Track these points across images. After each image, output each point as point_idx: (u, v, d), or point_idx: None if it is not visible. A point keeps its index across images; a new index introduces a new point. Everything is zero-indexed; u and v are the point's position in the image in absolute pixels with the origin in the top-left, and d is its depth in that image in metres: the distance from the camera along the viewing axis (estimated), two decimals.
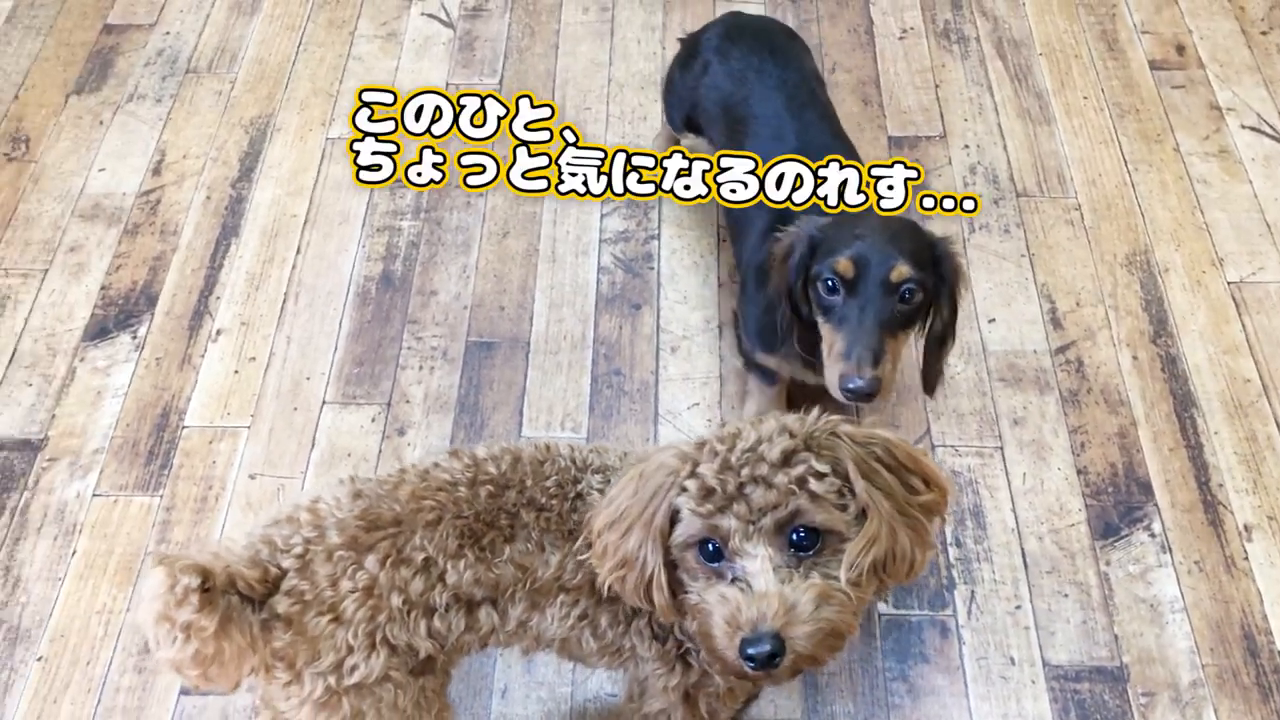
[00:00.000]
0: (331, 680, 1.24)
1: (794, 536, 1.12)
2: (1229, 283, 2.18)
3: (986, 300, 2.17)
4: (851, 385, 1.57)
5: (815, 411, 1.20)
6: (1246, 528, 1.87)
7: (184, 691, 1.72)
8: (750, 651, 1.08)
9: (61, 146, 2.48)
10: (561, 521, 1.31)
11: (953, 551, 1.85)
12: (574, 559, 1.29)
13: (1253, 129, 2.43)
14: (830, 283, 1.60)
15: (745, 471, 1.12)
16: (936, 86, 2.54)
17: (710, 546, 1.14)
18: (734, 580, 1.12)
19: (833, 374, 1.61)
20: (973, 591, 1.81)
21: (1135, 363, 2.08)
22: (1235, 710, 1.68)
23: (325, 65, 2.63)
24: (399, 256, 2.27)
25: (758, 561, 1.10)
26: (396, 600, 1.25)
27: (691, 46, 2.13)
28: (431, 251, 2.27)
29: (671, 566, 1.17)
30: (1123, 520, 1.88)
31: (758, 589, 1.10)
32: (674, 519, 1.15)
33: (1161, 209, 2.30)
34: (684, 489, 1.14)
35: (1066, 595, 1.80)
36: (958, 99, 2.52)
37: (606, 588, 1.24)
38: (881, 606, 1.80)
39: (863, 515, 1.14)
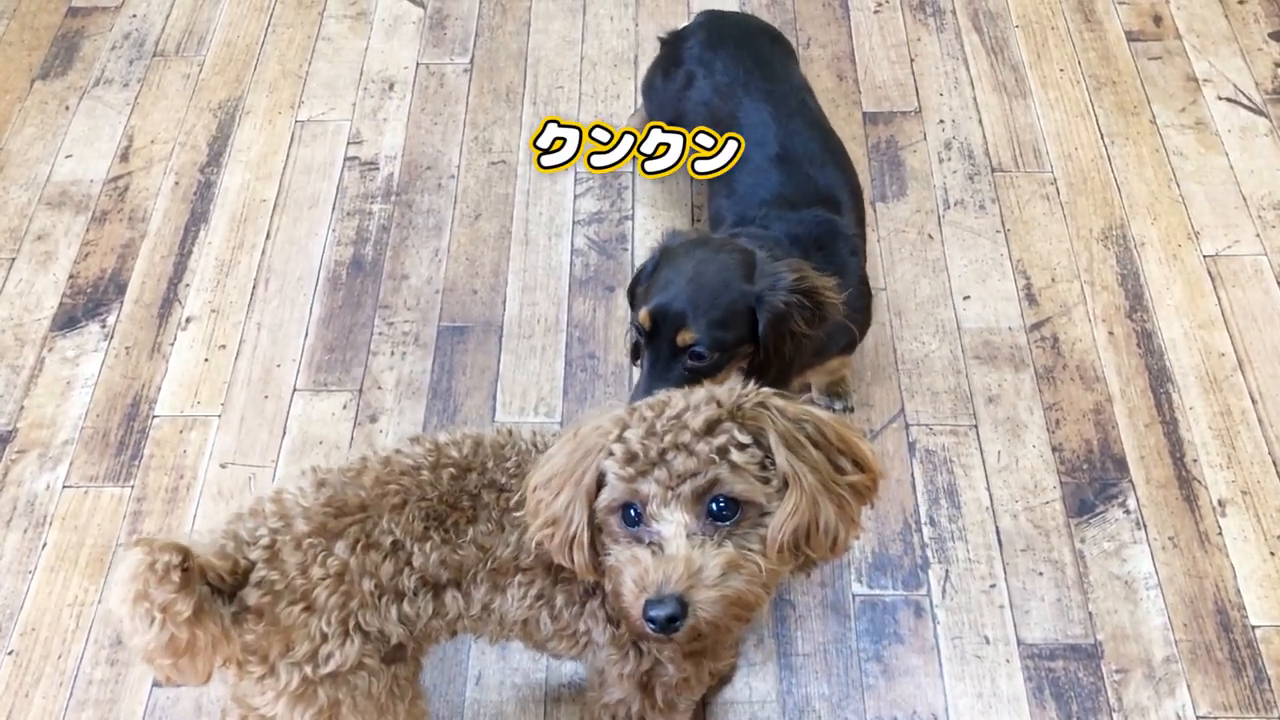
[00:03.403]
0: (307, 670, 1.24)
1: (713, 506, 1.12)
2: (1205, 256, 2.17)
3: (961, 277, 2.15)
4: None
5: (750, 384, 1.20)
6: (1220, 503, 1.86)
7: (156, 684, 1.72)
8: (651, 613, 1.10)
9: (27, 133, 2.44)
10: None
11: (927, 531, 1.85)
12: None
13: (1229, 100, 2.41)
14: (637, 328, 1.60)
15: (668, 438, 1.13)
16: (912, 61, 2.52)
17: (632, 511, 1.15)
18: (649, 544, 1.13)
19: None
20: (947, 571, 1.81)
21: (1111, 338, 2.07)
22: (1208, 686, 1.69)
23: (294, 46, 2.59)
24: (369, 240, 2.25)
25: (672, 527, 1.12)
26: (368, 585, 1.25)
27: (673, 53, 2.08)
28: (403, 235, 2.25)
29: (597, 530, 1.18)
30: (1097, 497, 1.88)
31: (668, 552, 1.11)
32: (601, 482, 1.16)
33: (1138, 182, 2.29)
34: (611, 453, 1.15)
35: (1041, 573, 1.80)
36: (933, 73, 2.50)
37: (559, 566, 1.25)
38: (856, 587, 1.80)
39: (785, 488, 1.14)
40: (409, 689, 1.33)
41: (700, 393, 1.17)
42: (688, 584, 1.09)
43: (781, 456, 1.13)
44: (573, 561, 1.19)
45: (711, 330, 1.54)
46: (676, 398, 1.17)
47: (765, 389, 1.19)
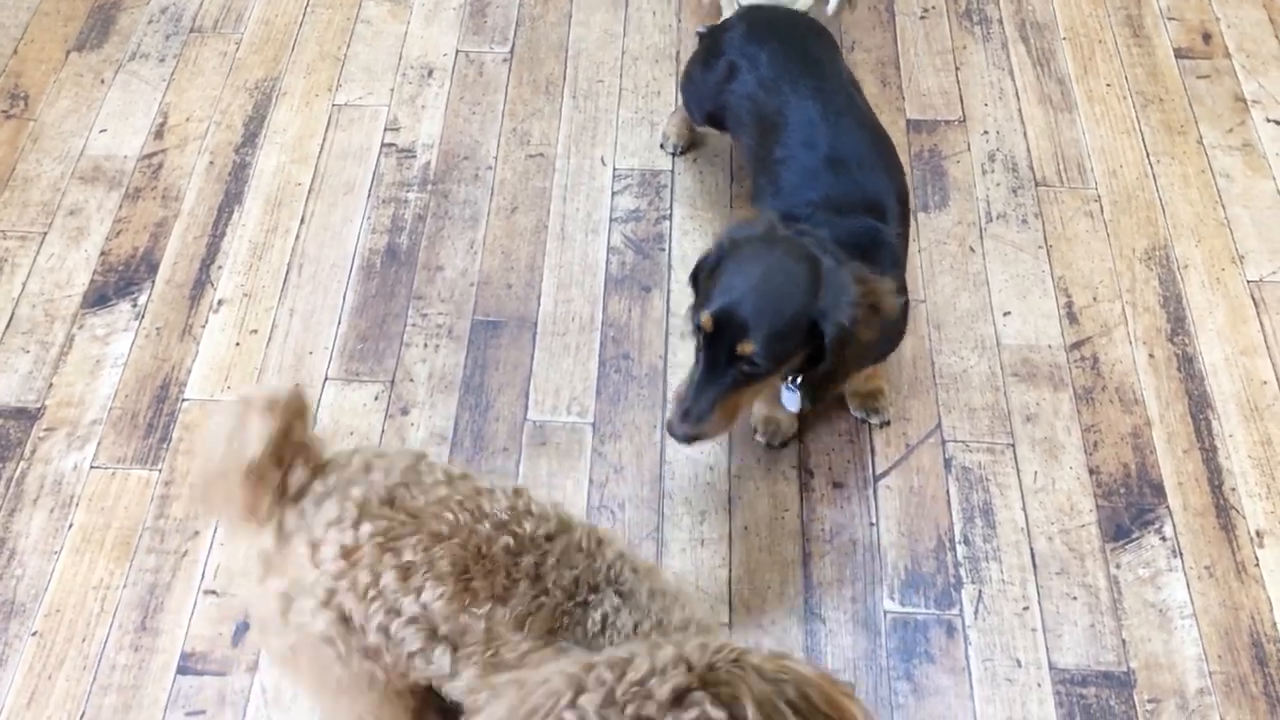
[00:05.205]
0: (291, 600, 1.28)
1: None
2: (1249, 281, 2.15)
3: (1002, 293, 2.13)
4: (676, 432, 1.63)
5: (722, 637, 1.09)
6: (1259, 534, 1.84)
7: (180, 671, 1.70)
8: None
9: (61, 105, 2.42)
10: (551, 616, 1.24)
11: (961, 550, 1.83)
12: (534, 657, 1.22)
13: (1278, 123, 2.38)
14: (696, 327, 1.60)
15: (630, 710, 0.98)
16: (957, 69, 2.49)
17: None
18: None
19: (669, 410, 1.67)
20: (980, 591, 1.79)
21: (1151, 361, 2.05)
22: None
23: (333, 28, 2.57)
24: (405, 229, 2.22)
25: None
26: (364, 577, 1.24)
27: (713, 45, 2.05)
28: (438, 225, 2.23)
29: None
30: (1134, 522, 1.86)
31: None
32: None
33: (1183, 203, 2.26)
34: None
35: (1075, 598, 1.78)
36: (978, 83, 2.47)
37: None
38: (887, 603, 1.78)
39: None
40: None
41: (668, 652, 1.02)
42: None
43: None
44: None
45: (770, 343, 1.53)
46: (640, 658, 1.02)
47: (740, 646, 1.05)
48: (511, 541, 1.25)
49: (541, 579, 1.24)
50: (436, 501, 1.26)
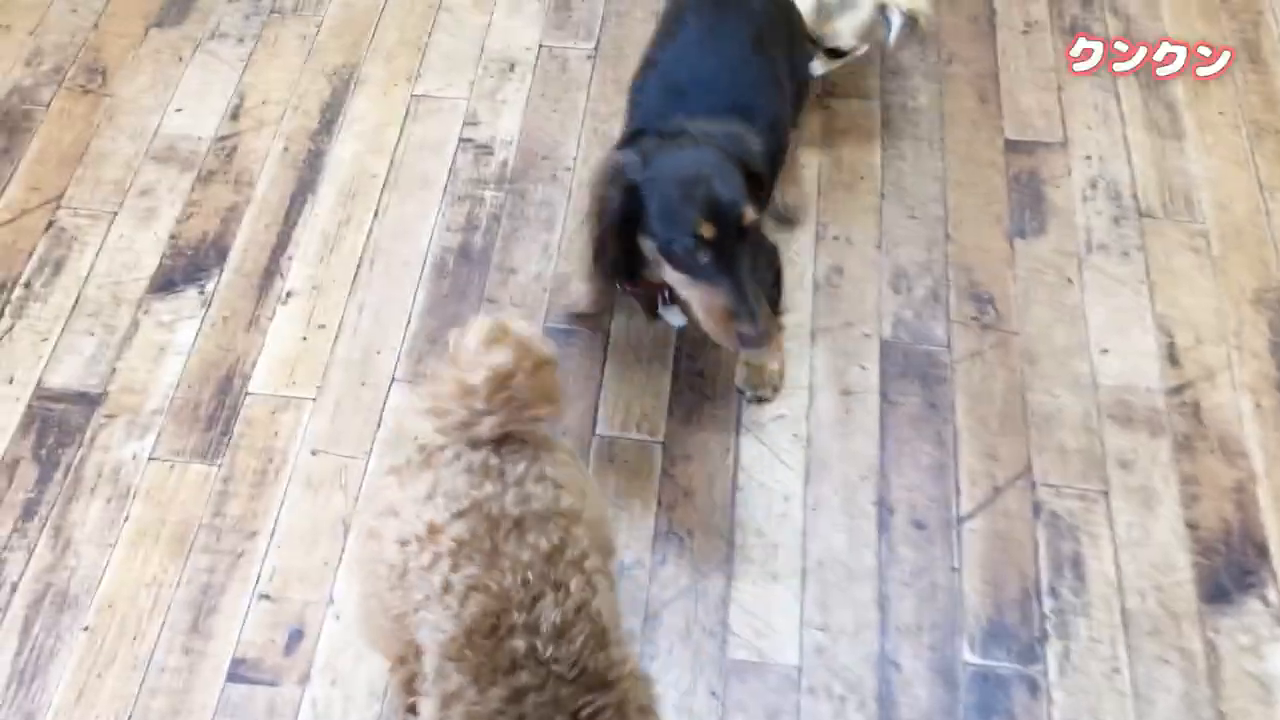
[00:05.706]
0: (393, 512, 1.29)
1: None
2: None
3: (1101, 328, 2.02)
4: (757, 334, 1.58)
5: None
6: None
7: (230, 678, 1.66)
8: None
9: (139, 82, 2.38)
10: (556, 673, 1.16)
11: (1048, 602, 1.73)
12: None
13: None
14: (691, 245, 1.54)
15: None
16: (1059, 88, 2.38)
17: None
18: None
19: (723, 335, 1.60)
20: (1067, 647, 1.69)
21: (1257, 410, 1.93)
22: None
23: (415, 15, 2.50)
24: (479, 228, 2.16)
25: None
26: (426, 558, 1.23)
27: None
28: (514, 226, 2.16)
29: None
30: (1234, 584, 1.75)
31: None
32: None
33: None
34: None
35: (1169, 662, 1.68)
36: (1081, 104, 2.35)
37: None
38: (967, 654, 1.69)
39: None
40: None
41: None
42: None
43: None
44: None
45: (756, 199, 1.58)
46: None
47: None
48: (522, 650, 1.15)
49: (517, 702, 1.14)
50: (517, 560, 1.19)
